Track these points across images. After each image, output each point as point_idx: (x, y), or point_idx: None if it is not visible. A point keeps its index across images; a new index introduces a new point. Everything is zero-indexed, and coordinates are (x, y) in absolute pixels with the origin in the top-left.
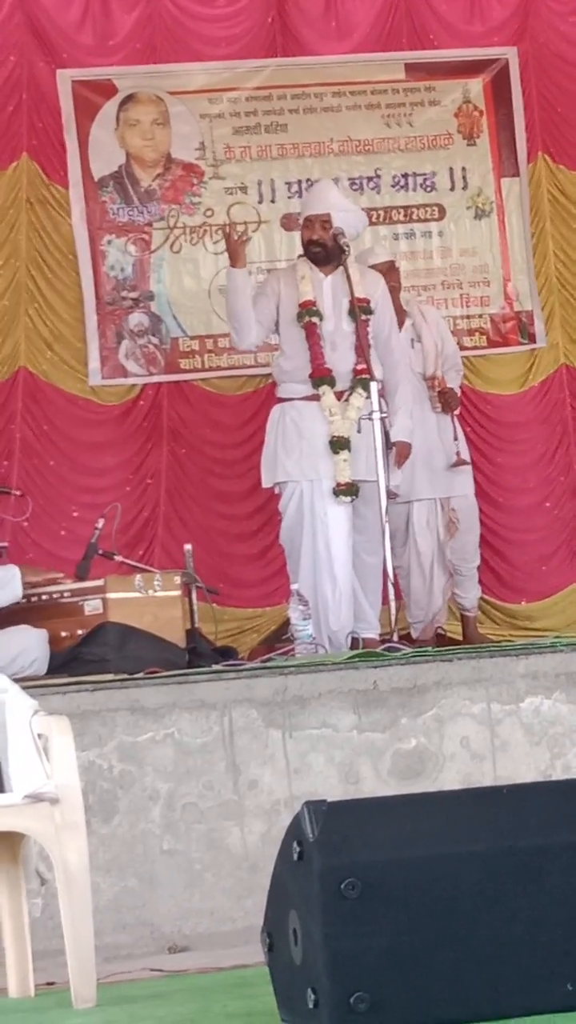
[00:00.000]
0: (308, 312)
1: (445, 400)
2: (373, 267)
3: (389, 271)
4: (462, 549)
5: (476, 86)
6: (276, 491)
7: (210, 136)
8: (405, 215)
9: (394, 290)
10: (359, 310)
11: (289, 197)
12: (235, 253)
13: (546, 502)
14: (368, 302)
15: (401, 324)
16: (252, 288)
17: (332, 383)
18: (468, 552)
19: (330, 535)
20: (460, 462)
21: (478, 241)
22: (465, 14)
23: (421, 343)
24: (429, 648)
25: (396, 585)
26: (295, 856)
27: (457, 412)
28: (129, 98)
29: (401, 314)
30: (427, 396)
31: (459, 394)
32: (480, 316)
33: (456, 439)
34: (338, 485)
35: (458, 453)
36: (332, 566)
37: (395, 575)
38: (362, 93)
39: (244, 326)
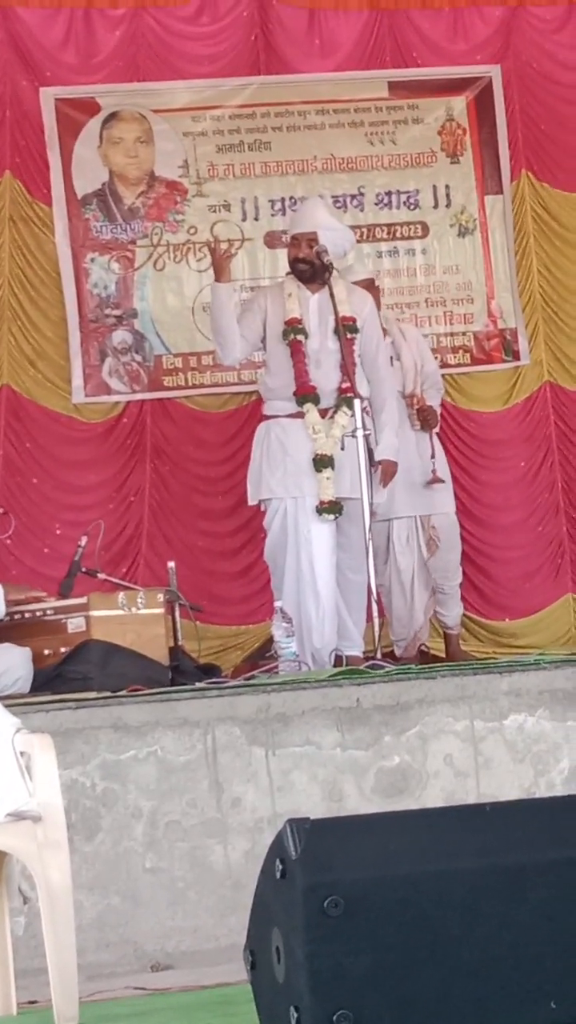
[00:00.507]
0: (294, 330)
1: (424, 418)
2: (357, 284)
3: (368, 289)
4: (444, 567)
5: (460, 104)
6: (261, 508)
7: (193, 154)
8: (388, 233)
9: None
10: (345, 328)
11: (272, 215)
12: (220, 268)
13: (530, 519)
14: (355, 320)
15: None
16: (237, 304)
17: (316, 401)
18: (450, 570)
19: (313, 552)
20: (435, 480)
21: (461, 259)
22: (448, 32)
23: (400, 361)
24: (412, 666)
25: (380, 603)
26: (278, 874)
27: (436, 430)
28: (112, 116)
29: (381, 331)
30: (406, 414)
31: (439, 412)
32: (464, 334)
33: (433, 457)
34: (321, 503)
35: (434, 471)
36: (316, 583)
37: (378, 593)
38: (345, 111)
39: (229, 341)
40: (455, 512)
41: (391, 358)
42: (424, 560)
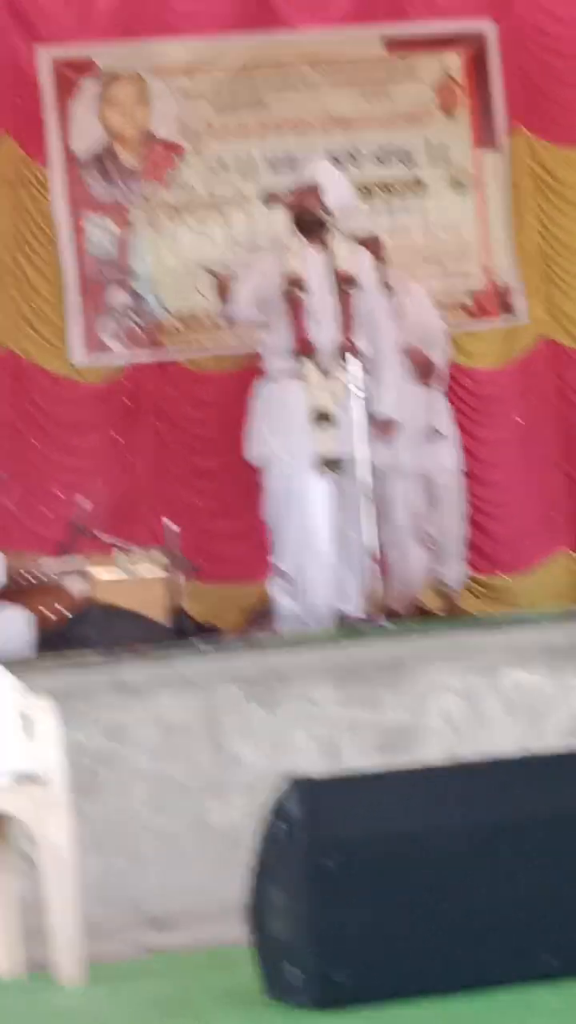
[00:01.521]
0: (293, 286)
1: (421, 370)
2: (362, 241)
3: (374, 246)
4: (446, 524)
5: (455, 60)
6: (260, 467)
7: (190, 113)
8: (384, 190)
9: (381, 263)
10: (345, 284)
11: (270, 173)
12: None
13: (526, 476)
14: (355, 277)
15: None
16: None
17: (315, 357)
18: (452, 527)
19: (313, 510)
20: (435, 432)
21: (458, 216)
22: None
23: (404, 317)
24: (410, 623)
25: (378, 561)
26: (277, 832)
27: (443, 389)
28: (109, 76)
29: (385, 288)
30: (407, 369)
31: (447, 371)
32: (460, 291)
33: (436, 411)
34: (321, 459)
35: (436, 426)
36: (315, 541)
37: (380, 551)
38: (341, 68)
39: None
40: (459, 470)
41: (395, 312)
42: (420, 516)
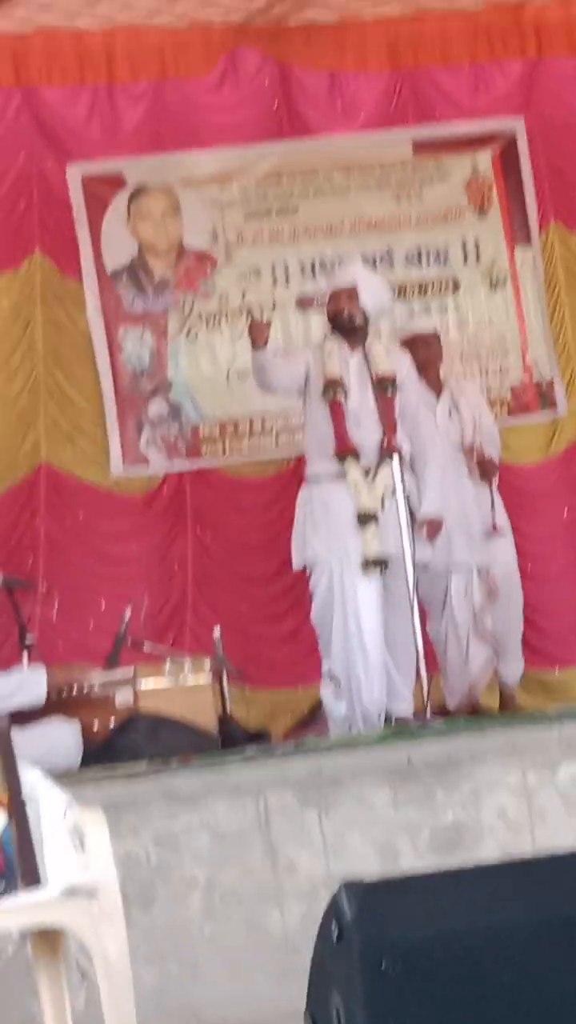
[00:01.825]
0: (333, 388)
1: (484, 469)
2: (420, 336)
3: (434, 342)
4: (505, 620)
5: (485, 158)
6: (307, 571)
7: (222, 223)
8: (420, 290)
9: (437, 359)
10: (384, 385)
11: (303, 279)
12: (259, 334)
13: (573, 568)
14: (394, 378)
15: (439, 394)
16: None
17: (358, 458)
18: (511, 624)
19: (360, 610)
20: (495, 531)
21: (494, 312)
22: (470, 87)
23: (459, 413)
24: (461, 720)
25: (428, 658)
26: (334, 937)
27: (496, 483)
28: (139, 190)
29: (439, 385)
30: (464, 465)
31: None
32: (500, 387)
33: (493, 508)
34: (366, 559)
35: (494, 522)
36: (363, 642)
37: (427, 648)
38: (371, 171)
39: (271, 378)
40: (516, 566)
41: (449, 410)
42: (480, 612)
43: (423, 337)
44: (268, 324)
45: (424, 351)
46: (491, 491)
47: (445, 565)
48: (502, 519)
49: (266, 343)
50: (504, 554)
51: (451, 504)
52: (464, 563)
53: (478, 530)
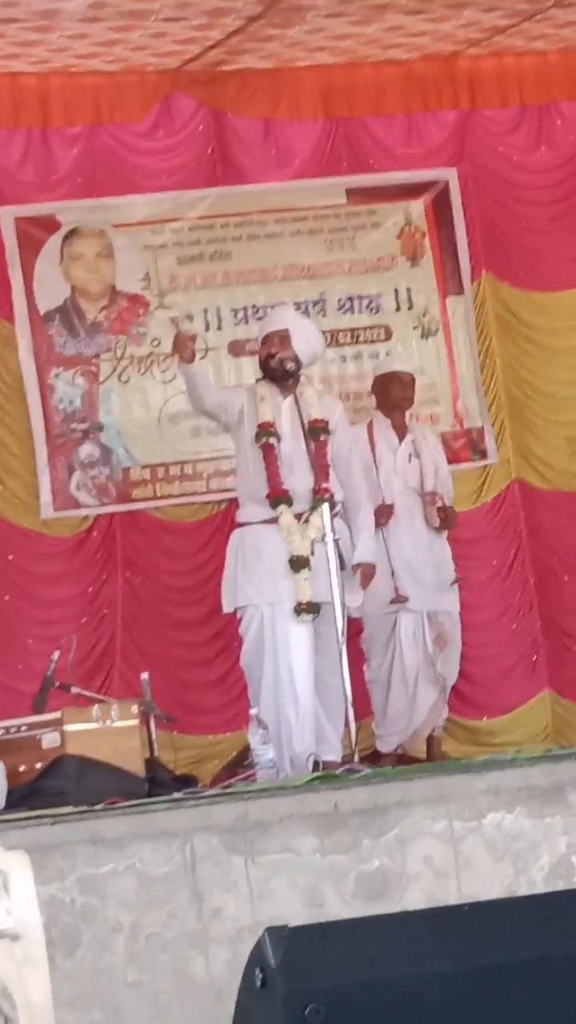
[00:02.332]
0: (266, 433)
1: (445, 516)
2: (397, 376)
3: (409, 384)
4: (449, 665)
5: (417, 207)
6: (237, 615)
7: (154, 266)
8: (352, 337)
9: (407, 402)
10: (316, 430)
11: (235, 324)
12: (184, 351)
13: (503, 617)
14: (326, 423)
15: (402, 437)
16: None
17: (290, 503)
18: (451, 668)
19: (292, 657)
20: (457, 580)
21: (426, 360)
22: (403, 137)
23: (419, 459)
24: (388, 768)
25: (356, 704)
26: (258, 983)
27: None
28: (72, 232)
29: (403, 428)
30: (419, 511)
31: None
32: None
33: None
34: (299, 604)
35: (457, 572)
36: (294, 687)
37: (356, 694)
38: (304, 219)
39: (200, 397)
40: (458, 615)
41: (410, 455)
42: (431, 657)
43: (400, 377)
44: (193, 338)
45: (398, 390)
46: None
47: (394, 608)
48: (451, 567)
49: (192, 359)
50: (452, 602)
51: (404, 548)
52: (415, 606)
53: (430, 577)
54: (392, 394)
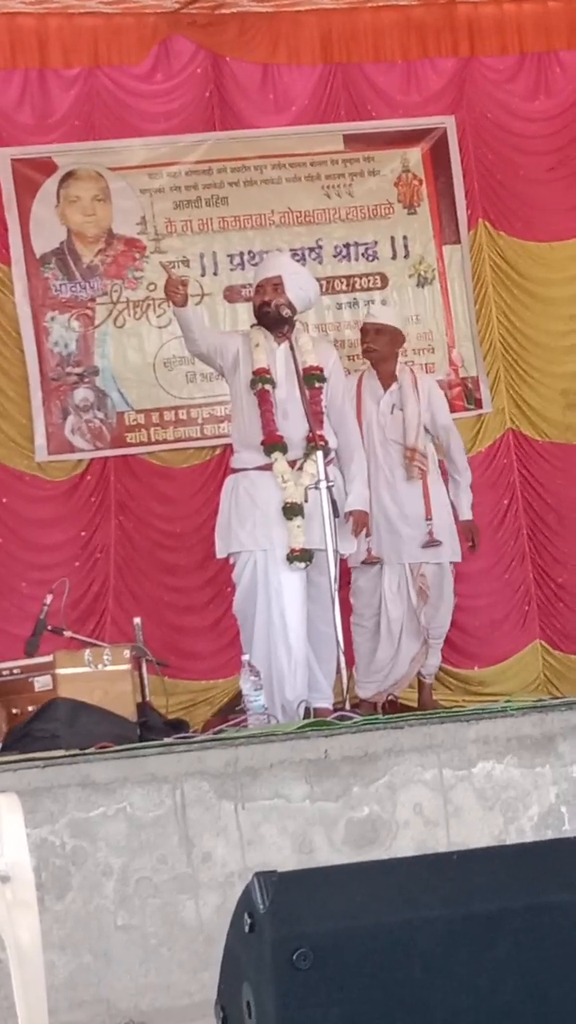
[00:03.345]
0: (261, 379)
1: (471, 538)
2: (388, 328)
3: (399, 337)
4: (430, 617)
5: (415, 155)
6: (230, 561)
7: (151, 211)
8: (348, 284)
9: (393, 354)
10: (311, 378)
11: (231, 269)
12: (175, 294)
13: (496, 567)
14: (321, 370)
15: (387, 389)
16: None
17: (284, 450)
18: (436, 621)
19: (284, 603)
20: (432, 543)
21: (422, 309)
22: (402, 84)
23: (404, 412)
24: (379, 716)
25: (348, 653)
26: (246, 928)
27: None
28: (69, 175)
29: (390, 379)
30: (400, 464)
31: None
32: None
33: (430, 519)
34: (292, 551)
35: (431, 532)
36: (287, 635)
37: (347, 641)
38: (301, 165)
39: (194, 339)
40: (455, 562)
41: (392, 407)
42: (414, 609)
43: (390, 329)
44: (184, 282)
45: (388, 343)
46: (426, 492)
47: (365, 561)
48: (446, 517)
49: (184, 302)
50: (435, 554)
51: (383, 500)
52: (396, 558)
53: (407, 531)
54: (380, 343)
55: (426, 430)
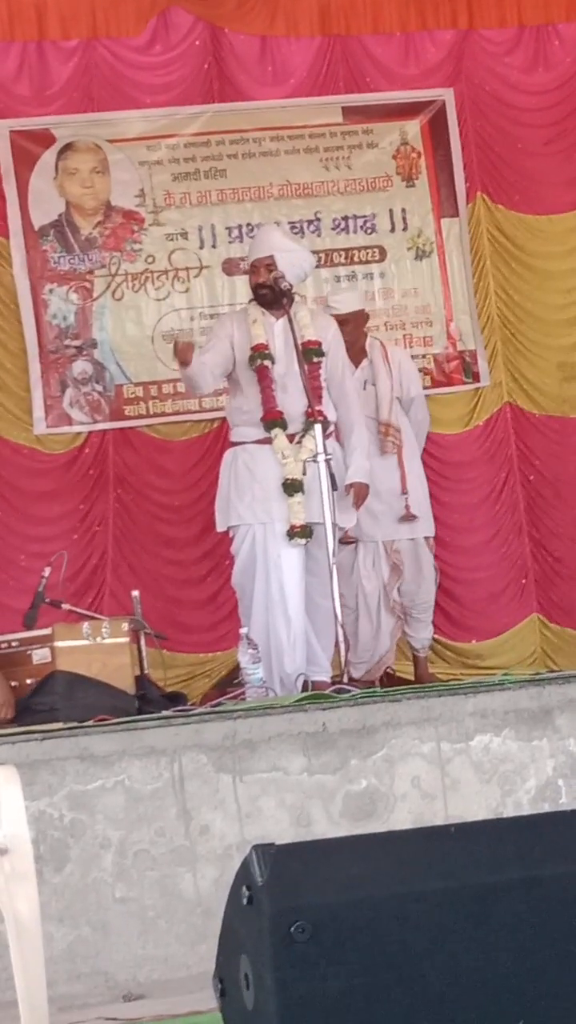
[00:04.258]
0: (260, 355)
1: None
2: (345, 315)
3: (359, 318)
4: (412, 592)
5: (413, 128)
6: (229, 534)
7: (149, 183)
8: (346, 257)
9: (361, 335)
10: (309, 352)
11: (230, 242)
12: (184, 355)
13: (493, 540)
14: (319, 344)
15: (358, 365)
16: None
17: (284, 426)
18: (419, 595)
19: (284, 577)
20: (408, 516)
21: (420, 282)
22: (400, 56)
23: (375, 386)
24: (377, 689)
25: (344, 627)
26: (244, 900)
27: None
28: (67, 147)
29: (360, 355)
30: (374, 440)
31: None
32: (424, 356)
33: (406, 493)
34: (292, 527)
35: (408, 507)
36: (286, 608)
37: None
38: (300, 137)
39: (201, 385)
40: (430, 537)
41: (364, 382)
42: (388, 585)
43: (353, 315)
44: (191, 345)
45: (353, 329)
46: (401, 467)
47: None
48: (422, 493)
49: (191, 361)
50: (409, 529)
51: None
52: (369, 535)
53: (383, 506)
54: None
55: (400, 402)
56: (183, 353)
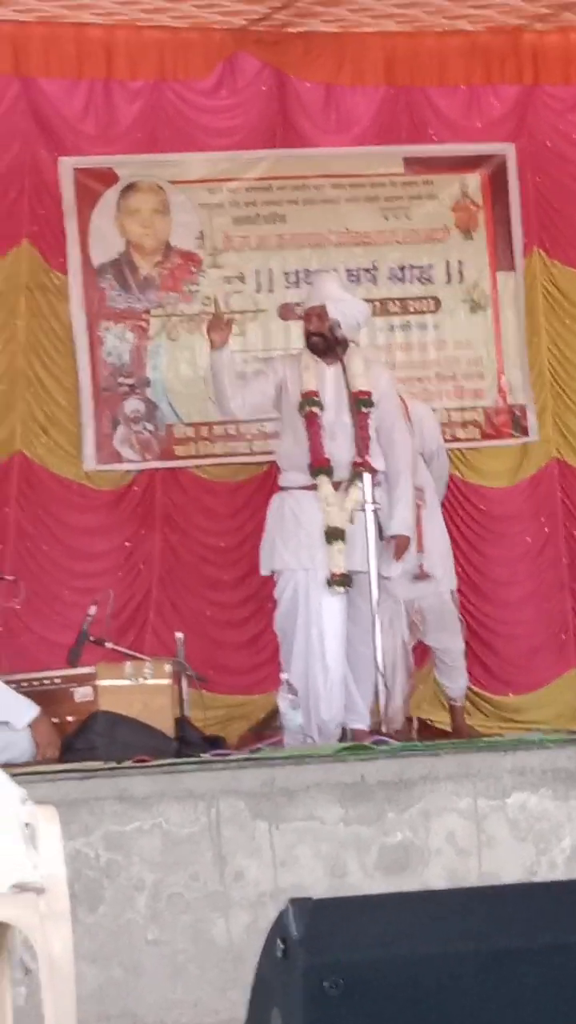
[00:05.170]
0: (310, 402)
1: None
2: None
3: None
4: (443, 640)
5: (474, 181)
6: (273, 578)
7: (209, 225)
8: (401, 307)
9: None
10: (360, 402)
11: (287, 287)
12: (217, 336)
13: (535, 595)
14: (370, 395)
15: None
16: (236, 365)
17: (330, 473)
18: (448, 646)
19: (324, 625)
20: (422, 576)
21: (473, 334)
22: (464, 109)
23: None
24: (417, 743)
25: (384, 676)
26: (279, 953)
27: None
28: (130, 186)
29: None
30: None
31: (444, 486)
32: (473, 408)
33: (421, 550)
34: (332, 575)
35: (421, 565)
36: (325, 656)
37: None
38: (361, 186)
39: (225, 395)
40: (453, 591)
41: None
42: (406, 644)
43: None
44: (230, 323)
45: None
46: (418, 525)
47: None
48: (443, 544)
49: (224, 344)
50: (432, 587)
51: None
52: (389, 593)
53: (400, 564)
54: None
55: (422, 457)
56: (216, 328)
